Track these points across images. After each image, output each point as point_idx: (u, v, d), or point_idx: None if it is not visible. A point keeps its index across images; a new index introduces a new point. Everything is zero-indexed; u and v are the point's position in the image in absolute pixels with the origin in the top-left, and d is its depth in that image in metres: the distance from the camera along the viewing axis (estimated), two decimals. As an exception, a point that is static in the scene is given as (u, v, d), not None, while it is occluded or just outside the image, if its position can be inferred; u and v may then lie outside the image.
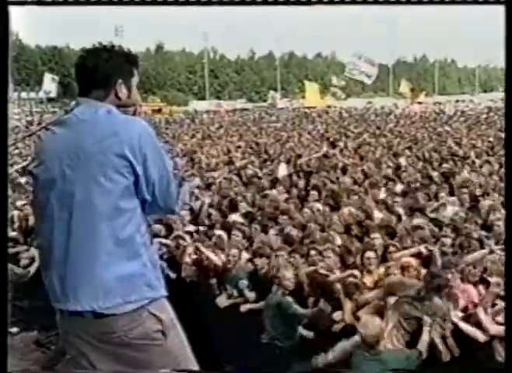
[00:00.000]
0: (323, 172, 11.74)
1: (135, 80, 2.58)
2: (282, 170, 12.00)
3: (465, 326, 5.01)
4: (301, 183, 10.98)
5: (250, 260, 6.72)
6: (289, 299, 5.69)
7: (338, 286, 5.71)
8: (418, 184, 10.92)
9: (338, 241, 7.02)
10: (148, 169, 2.37)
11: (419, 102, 52.35)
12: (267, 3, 3.17)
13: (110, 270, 2.33)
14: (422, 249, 6.14)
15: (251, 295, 6.29)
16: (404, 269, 5.77)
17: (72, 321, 2.43)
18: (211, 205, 9.15)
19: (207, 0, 3.16)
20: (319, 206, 8.87)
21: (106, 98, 2.49)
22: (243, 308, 6.22)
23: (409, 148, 18.43)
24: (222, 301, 6.42)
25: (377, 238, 6.76)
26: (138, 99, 2.61)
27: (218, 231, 8.00)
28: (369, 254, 6.25)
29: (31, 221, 8.10)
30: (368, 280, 5.92)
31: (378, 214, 8.22)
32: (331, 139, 17.94)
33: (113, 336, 2.39)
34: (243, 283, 6.30)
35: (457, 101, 60.51)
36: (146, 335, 2.42)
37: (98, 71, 2.48)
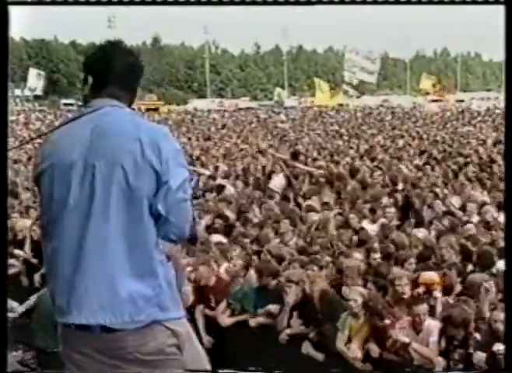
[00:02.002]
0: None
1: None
2: (278, 181, 11.85)
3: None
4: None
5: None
6: None
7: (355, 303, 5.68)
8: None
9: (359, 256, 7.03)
10: (169, 179, 2.38)
11: (436, 100, 52.34)
12: (267, 3, 3.21)
13: (123, 285, 2.34)
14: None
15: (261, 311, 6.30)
16: (427, 286, 5.76)
17: (78, 335, 2.42)
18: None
19: (207, 0, 3.19)
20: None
21: (129, 98, 2.56)
22: (253, 322, 6.25)
23: (428, 151, 18.51)
24: (225, 319, 6.40)
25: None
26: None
27: (217, 238, 8.02)
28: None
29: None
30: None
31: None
32: (295, 149, 17.64)
33: (123, 352, 2.39)
34: None
35: (482, 98, 60.45)
36: (160, 350, 2.42)
37: (128, 70, 2.55)
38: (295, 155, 13.43)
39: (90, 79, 2.55)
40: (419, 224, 8.88)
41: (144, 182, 2.35)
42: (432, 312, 5.50)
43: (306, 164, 13.75)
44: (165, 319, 2.43)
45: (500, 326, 4.91)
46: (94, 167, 2.36)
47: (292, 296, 6.02)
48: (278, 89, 67.67)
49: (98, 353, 2.42)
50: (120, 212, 2.34)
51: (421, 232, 8.27)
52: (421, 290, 5.75)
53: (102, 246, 2.34)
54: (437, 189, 11.09)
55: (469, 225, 8.16)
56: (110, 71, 2.53)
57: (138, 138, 2.36)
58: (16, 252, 8.34)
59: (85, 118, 2.47)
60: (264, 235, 8.14)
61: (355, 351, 5.40)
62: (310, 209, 9.68)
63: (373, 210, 9.21)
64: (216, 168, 15.58)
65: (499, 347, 4.70)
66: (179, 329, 2.46)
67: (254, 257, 7.23)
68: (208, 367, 2.64)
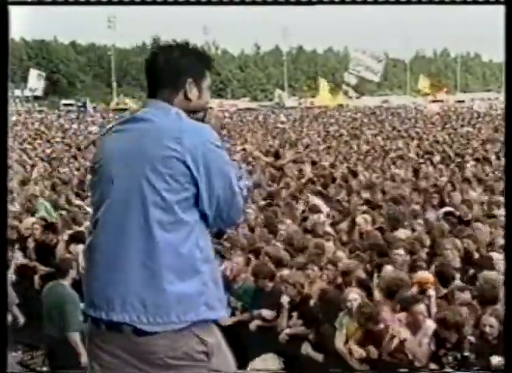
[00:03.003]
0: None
1: (206, 83, 2.58)
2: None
3: None
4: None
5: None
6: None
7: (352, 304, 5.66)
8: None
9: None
10: (212, 182, 2.38)
11: (437, 101, 52.35)
12: (267, 3, 3.22)
13: (167, 285, 2.33)
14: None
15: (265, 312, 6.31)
16: (421, 286, 5.76)
17: (109, 336, 2.42)
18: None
19: (207, 0, 3.19)
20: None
21: (175, 98, 2.50)
22: (253, 325, 6.24)
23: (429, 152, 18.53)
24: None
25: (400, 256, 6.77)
26: (208, 103, 2.62)
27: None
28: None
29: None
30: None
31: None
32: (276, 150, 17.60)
33: (153, 356, 2.38)
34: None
35: (482, 99, 60.51)
36: (190, 356, 2.40)
37: (167, 69, 2.50)
38: (276, 156, 13.30)
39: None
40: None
41: (180, 184, 2.34)
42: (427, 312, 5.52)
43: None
44: (213, 318, 2.45)
45: (489, 330, 4.98)
46: (132, 169, 2.36)
47: (286, 298, 6.04)
48: (278, 91, 67.72)
49: (128, 355, 2.41)
50: (157, 213, 2.33)
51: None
52: (415, 290, 5.75)
53: (145, 243, 2.34)
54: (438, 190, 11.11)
55: (478, 224, 8.07)
56: (152, 72, 2.53)
57: (178, 139, 2.34)
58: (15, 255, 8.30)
59: (133, 118, 2.49)
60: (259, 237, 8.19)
61: (358, 351, 5.39)
62: (315, 209, 9.67)
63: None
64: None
65: (498, 359, 4.71)
66: (208, 337, 2.45)
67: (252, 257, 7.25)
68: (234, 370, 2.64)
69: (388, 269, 6.34)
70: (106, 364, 2.45)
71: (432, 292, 5.67)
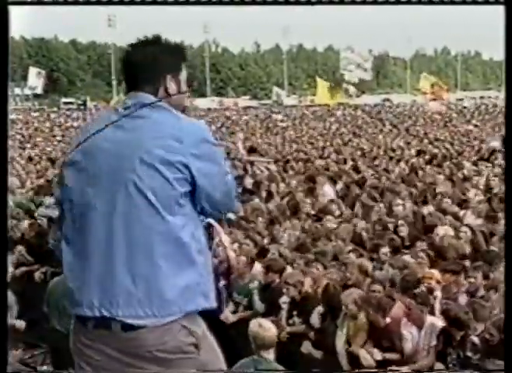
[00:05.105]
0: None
1: (183, 75, 2.59)
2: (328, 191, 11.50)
3: None
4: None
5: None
6: None
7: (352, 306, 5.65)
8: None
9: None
10: (209, 176, 2.41)
11: (436, 99, 52.29)
12: (267, 3, 3.21)
13: (166, 278, 2.35)
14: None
15: (261, 307, 6.35)
16: (426, 282, 5.78)
17: (96, 334, 2.42)
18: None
19: (207, 0, 3.19)
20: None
21: (157, 95, 2.50)
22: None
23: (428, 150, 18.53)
24: (229, 316, 6.42)
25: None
26: (187, 97, 2.65)
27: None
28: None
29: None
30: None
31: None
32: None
33: (143, 350, 2.39)
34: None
35: (482, 97, 60.52)
36: (179, 348, 2.42)
37: (147, 66, 2.50)
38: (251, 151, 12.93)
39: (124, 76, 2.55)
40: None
41: (182, 180, 2.36)
42: (431, 312, 5.51)
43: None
44: (210, 308, 2.47)
45: (489, 336, 4.93)
46: (124, 164, 2.35)
47: (285, 298, 6.10)
48: (275, 89, 67.44)
49: (117, 352, 2.41)
50: (151, 208, 2.34)
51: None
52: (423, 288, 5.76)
53: (141, 235, 2.34)
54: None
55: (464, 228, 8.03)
56: (130, 69, 2.53)
57: (178, 137, 2.35)
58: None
59: (121, 112, 2.46)
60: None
61: (366, 358, 5.36)
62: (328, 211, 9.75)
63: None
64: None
65: None
66: (195, 328, 2.47)
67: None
68: (224, 366, 2.67)
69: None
70: (95, 362, 2.46)
71: (438, 292, 5.69)
